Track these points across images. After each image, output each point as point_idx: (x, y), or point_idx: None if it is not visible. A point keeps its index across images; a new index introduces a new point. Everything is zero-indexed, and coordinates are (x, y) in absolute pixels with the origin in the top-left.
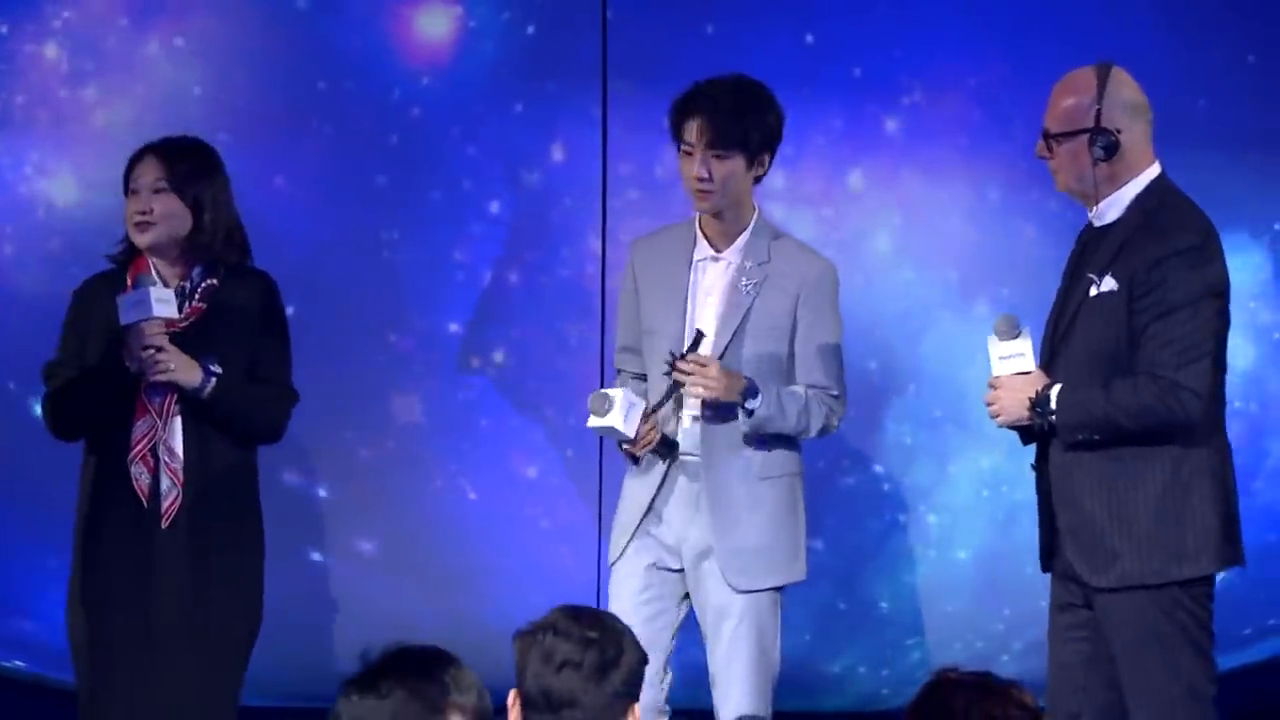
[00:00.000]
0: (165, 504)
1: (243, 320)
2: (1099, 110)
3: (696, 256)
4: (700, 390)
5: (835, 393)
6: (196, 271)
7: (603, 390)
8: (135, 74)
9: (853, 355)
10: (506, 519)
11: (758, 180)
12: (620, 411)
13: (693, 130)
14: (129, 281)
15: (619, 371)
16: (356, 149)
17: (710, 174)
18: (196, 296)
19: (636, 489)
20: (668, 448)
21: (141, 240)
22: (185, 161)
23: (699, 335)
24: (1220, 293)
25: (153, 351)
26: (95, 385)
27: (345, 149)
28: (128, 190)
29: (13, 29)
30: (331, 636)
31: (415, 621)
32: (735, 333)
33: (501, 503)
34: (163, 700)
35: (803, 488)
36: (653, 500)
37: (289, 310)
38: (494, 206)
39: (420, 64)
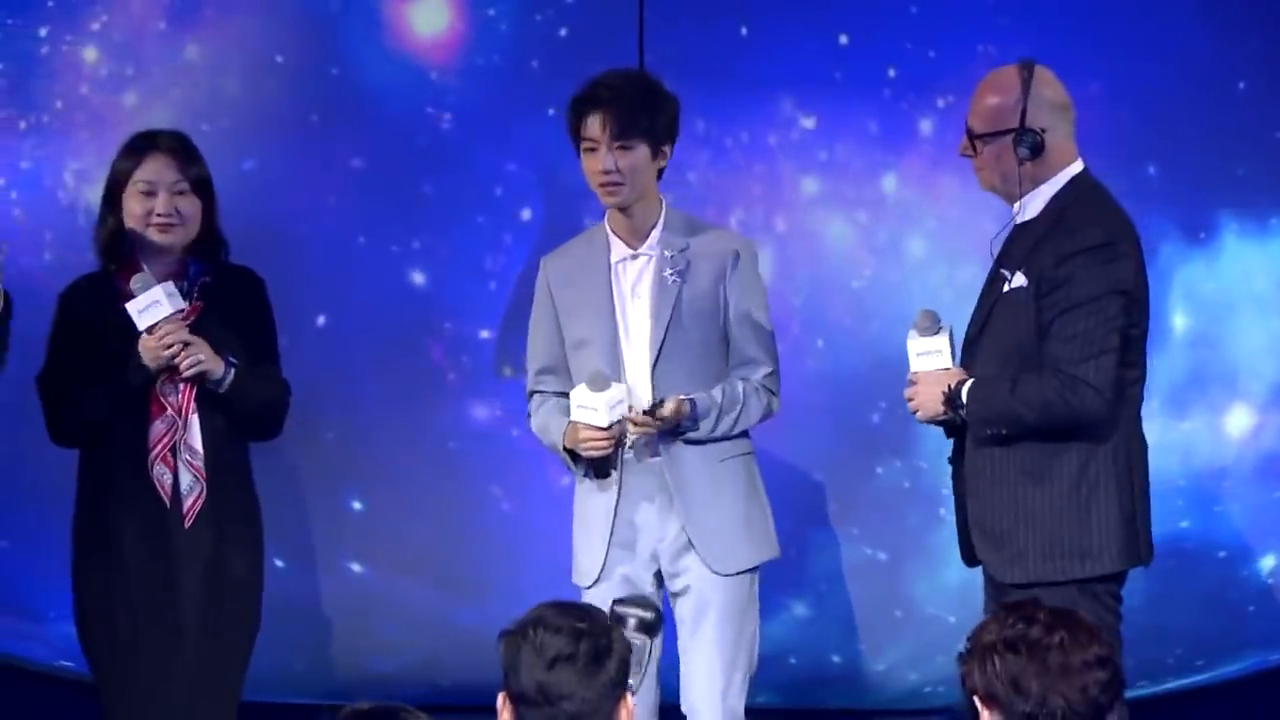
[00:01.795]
0: (188, 503)
1: (238, 316)
2: (1024, 110)
3: (614, 258)
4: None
5: (770, 369)
6: (193, 270)
7: (609, 377)
8: (174, 78)
9: (895, 353)
10: (539, 528)
11: (661, 173)
12: (614, 399)
13: (595, 125)
14: (124, 284)
15: (533, 394)
16: (388, 156)
17: (617, 166)
18: (195, 294)
19: (596, 500)
20: (603, 469)
21: (164, 240)
22: (194, 160)
23: (660, 403)
24: (1127, 291)
25: (179, 347)
26: (116, 389)
27: (376, 156)
28: (130, 186)
29: (50, 33)
30: (369, 641)
31: (447, 628)
32: (669, 325)
33: (534, 511)
34: (178, 700)
35: (758, 465)
36: (616, 505)
37: (319, 320)
38: (525, 213)
39: (452, 67)
